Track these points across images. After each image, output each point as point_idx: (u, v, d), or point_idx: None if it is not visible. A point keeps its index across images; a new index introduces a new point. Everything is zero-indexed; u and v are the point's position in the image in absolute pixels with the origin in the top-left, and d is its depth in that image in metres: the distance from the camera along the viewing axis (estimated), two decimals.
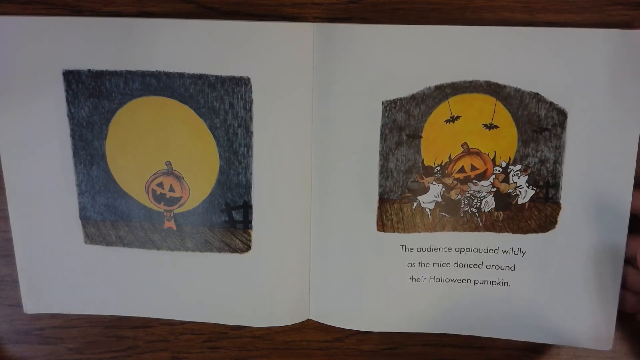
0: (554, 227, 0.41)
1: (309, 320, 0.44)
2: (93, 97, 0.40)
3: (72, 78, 0.40)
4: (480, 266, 0.42)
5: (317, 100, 0.39)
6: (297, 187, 0.41)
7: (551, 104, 0.39)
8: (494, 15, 0.40)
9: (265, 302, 0.43)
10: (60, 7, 0.40)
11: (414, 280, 0.42)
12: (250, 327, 0.45)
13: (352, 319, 0.43)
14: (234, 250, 0.43)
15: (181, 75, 0.39)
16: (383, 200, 0.41)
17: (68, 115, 0.41)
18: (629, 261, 0.40)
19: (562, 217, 0.40)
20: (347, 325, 0.43)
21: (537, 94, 0.39)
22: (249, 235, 0.42)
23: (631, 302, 0.41)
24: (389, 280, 0.42)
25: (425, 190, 0.41)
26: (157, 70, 0.39)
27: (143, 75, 0.39)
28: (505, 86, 0.38)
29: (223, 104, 0.40)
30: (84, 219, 0.42)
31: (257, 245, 0.42)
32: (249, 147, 0.40)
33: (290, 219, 0.41)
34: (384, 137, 0.40)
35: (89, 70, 0.39)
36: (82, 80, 0.40)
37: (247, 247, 0.42)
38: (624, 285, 0.41)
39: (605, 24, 0.39)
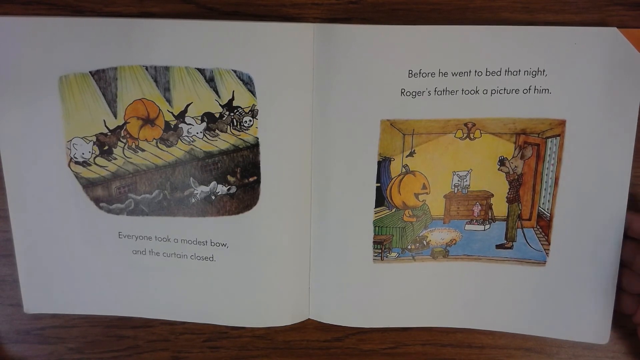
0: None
1: (309, 319, 0.44)
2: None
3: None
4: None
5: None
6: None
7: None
8: (494, 15, 0.40)
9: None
10: (61, 7, 0.40)
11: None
12: (251, 327, 0.45)
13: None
14: None
15: None
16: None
17: None
18: (624, 264, 0.40)
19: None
20: (347, 323, 0.43)
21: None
22: None
23: (627, 303, 0.41)
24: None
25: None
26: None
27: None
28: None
29: None
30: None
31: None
32: None
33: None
34: None
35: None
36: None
37: None
38: (620, 287, 0.41)
39: (605, 24, 0.39)
